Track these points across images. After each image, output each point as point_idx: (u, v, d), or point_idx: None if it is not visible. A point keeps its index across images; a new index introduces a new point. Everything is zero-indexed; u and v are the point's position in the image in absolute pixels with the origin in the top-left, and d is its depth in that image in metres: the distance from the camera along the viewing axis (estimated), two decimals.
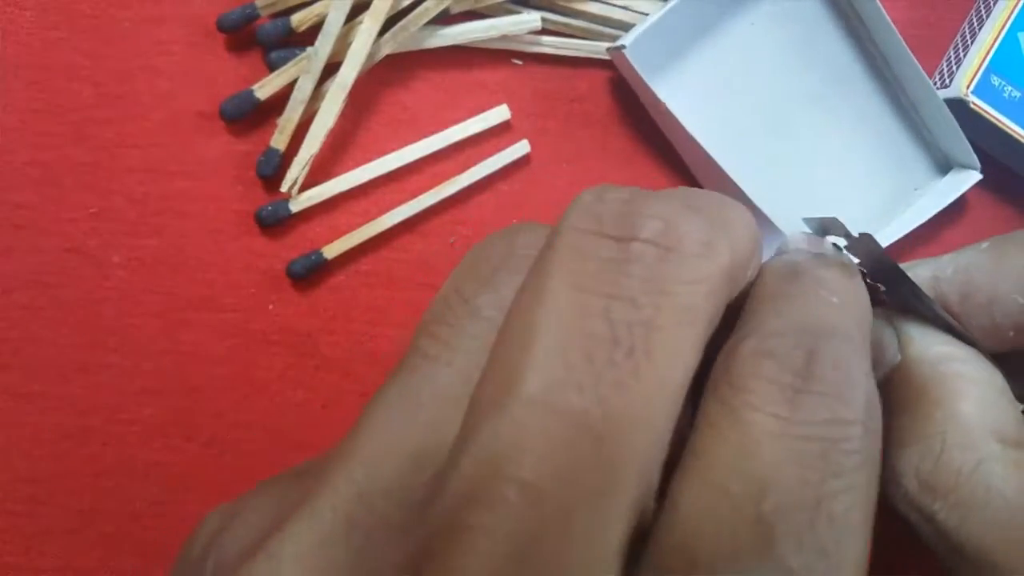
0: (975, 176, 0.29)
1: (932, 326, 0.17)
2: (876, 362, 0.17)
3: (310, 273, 0.29)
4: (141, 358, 0.28)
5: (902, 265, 0.17)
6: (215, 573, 0.13)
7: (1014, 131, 0.28)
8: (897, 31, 0.28)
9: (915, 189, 0.30)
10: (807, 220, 0.17)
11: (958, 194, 0.29)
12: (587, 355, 0.11)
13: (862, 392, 0.12)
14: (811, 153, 0.30)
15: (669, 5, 0.27)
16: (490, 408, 0.11)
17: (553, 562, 0.11)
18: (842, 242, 0.18)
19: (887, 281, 0.17)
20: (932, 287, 0.17)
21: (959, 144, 0.29)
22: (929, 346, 0.17)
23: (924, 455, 0.15)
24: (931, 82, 0.28)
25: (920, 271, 0.17)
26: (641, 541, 0.12)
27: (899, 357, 0.17)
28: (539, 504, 0.11)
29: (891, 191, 0.30)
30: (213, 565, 0.13)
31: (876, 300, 0.18)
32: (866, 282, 0.18)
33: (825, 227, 0.18)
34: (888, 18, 0.28)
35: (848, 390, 0.12)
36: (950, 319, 0.17)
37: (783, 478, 0.12)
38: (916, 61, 0.28)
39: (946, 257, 0.17)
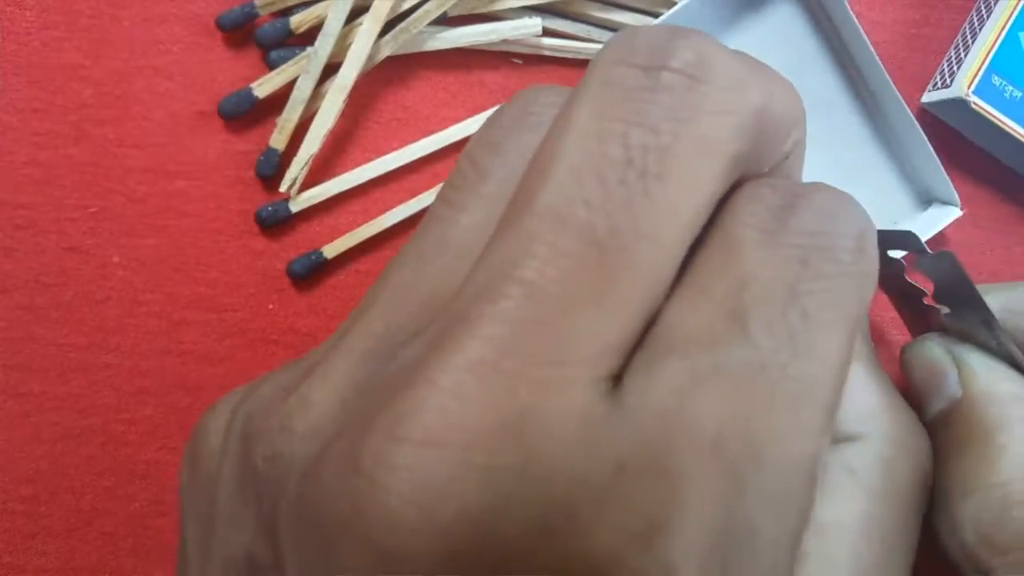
0: (955, 212, 0.29)
1: (997, 360, 0.16)
2: (934, 393, 0.17)
3: (310, 273, 0.29)
4: (141, 358, 0.28)
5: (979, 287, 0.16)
6: (244, 434, 0.13)
7: (1015, 131, 0.28)
8: (882, 65, 0.28)
9: (895, 223, 0.30)
10: (880, 232, 0.17)
11: (937, 230, 0.29)
12: (599, 175, 0.12)
13: (856, 221, 0.13)
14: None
15: None
16: (506, 223, 0.12)
17: (544, 352, 0.11)
18: (899, 253, 0.17)
19: (955, 304, 0.16)
20: (1003, 319, 0.16)
21: (940, 180, 0.29)
22: (995, 383, 0.16)
23: (986, 506, 0.15)
24: (914, 117, 0.28)
25: (989, 300, 0.16)
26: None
27: (960, 392, 0.16)
28: (536, 300, 0.11)
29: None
30: (240, 430, 0.14)
31: (933, 323, 0.17)
32: (923, 303, 0.17)
33: (902, 241, 0.17)
34: (873, 51, 0.28)
35: (842, 213, 0.13)
36: (1020, 356, 0.16)
37: (761, 277, 0.12)
38: (900, 95, 0.28)
39: (1020, 287, 0.17)
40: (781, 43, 0.29)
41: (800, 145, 0.15)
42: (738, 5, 0.29)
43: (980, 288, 0.16)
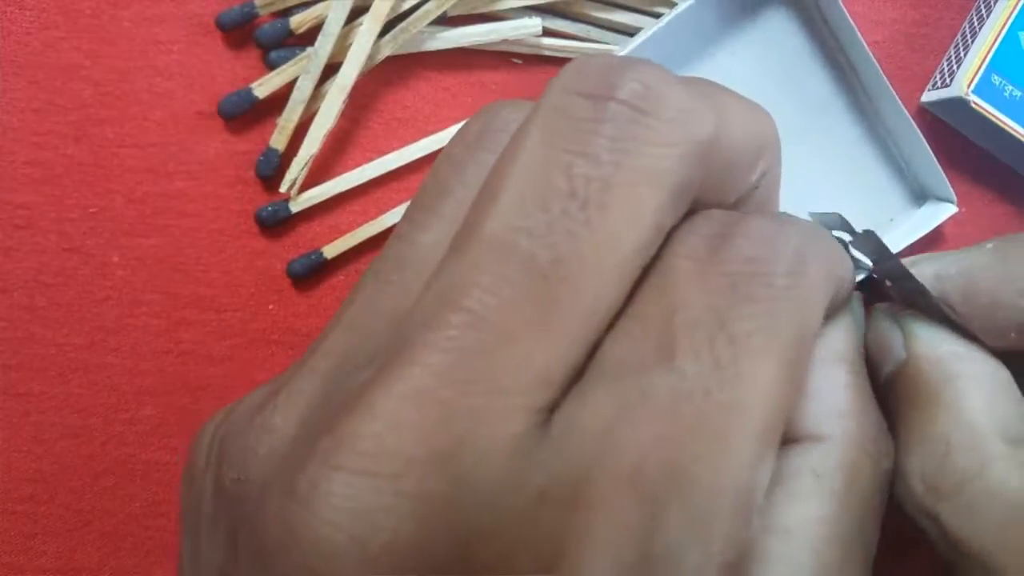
0: (951, 209, 0.29)
1: (938, 324, 0.17)
2: (882, 359, 0.17)
3: (310, 273, 0.29)
4: (141, 358, 0.28)
5: (905, 261, 0.17)
6: (219, 455, 0.14)
7: (1015, 130, 0.28)
8: (878, 63, 0.28)
9: (891, 220, 0.30)
10: (812, 215, 0.17)
11: (933, 226, 0.29)
12: (543, 205, 0.12)
13: (792, 244, 0.13)
14: (788, 181, 0.30)
15: (646, 35, 0.27)
16: (454, 249, 0.13)
17: (481, 381, 0.12)
18: (847, 237, 0.18)
19: (891, 277, 0.17)
20: (935, 286, 0.17)
21: (936, 176, 0.29)
22: (935, 344, 0.17)
23: (929, 457, 0.15)
24: (909, 116, 0.28)
25: (924, 268, 0.17)
26: None
27: (904, 355, 0.17)
28: (477, 329, 0.12)
29: (866, 221, 0.30)
30: (216, 450, 0.14)
31: (883, 295, 0.18)
32: (872, 277, 0.18)
33: (829, 223, 0.18)
34: (869, 50, 0.28)
35: (778, 238, 0.13)
36: (954, 317, 0.17)
37: (690, 305, 0.12)
38: (895, 94, 0.28)
39: (950, 255, 0.17)
40: (778, 47, 0.29)
41: (771, 175, 0.16)
42: (735, 10, 0.29)
43: (916, 258, 0.18)
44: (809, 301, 0.13)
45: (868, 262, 0.18)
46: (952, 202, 0.29)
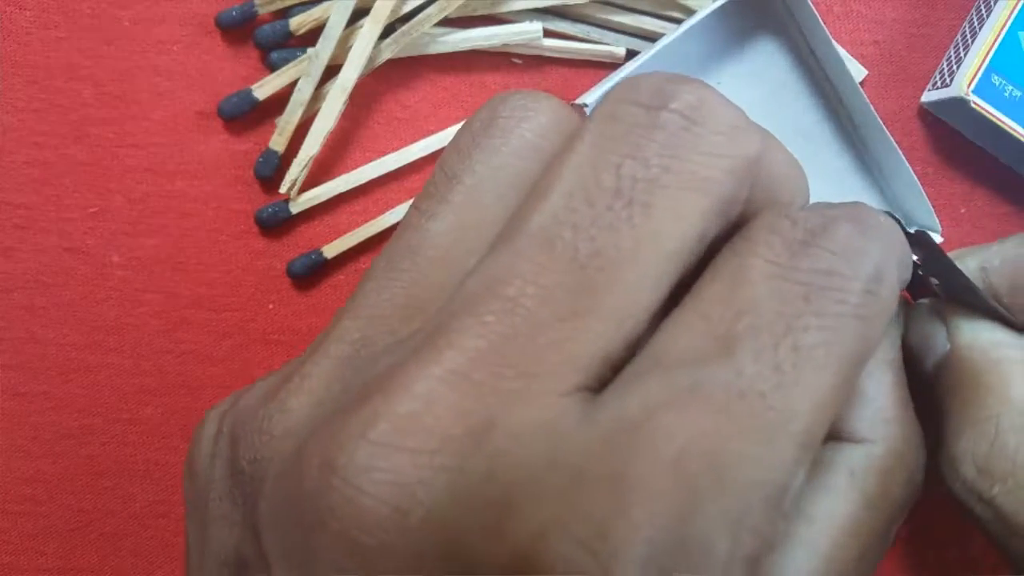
0: (936, 239, 0.29)
1: (981, 316, 0.17)
2: (924, 354, 0.17)
3: (310, 273, 0.29)
4: (141, 358, 0.28)
5: (950, 254, 0.17)
6: (231, 438, 0.14)
7: (1015, 130, 0.28)
8: (864, 93, 0.28)
9: None
10: None
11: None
12: (590, 201, 0.13)
13: (873, 260, 0.13)
14: None
15: (635, 65, 0.27)
16: (500, 241, 0.13)
17: (515, 365, 0.12)
18: None
19: (939, 275, 0.17)
20: (980, 278, 0.17)
21: (922, 206, 0.29)
22: (979, 334, 0.17)
23: (978, 440, 0.16)
24: (895, 144, 0.28)
25: (968, 262, 0.17)
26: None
27: (948, 346, 0.17)
28: (514, 316, 0.12)
29: None
30: (227, 434, 0.14)
31: (929, 293, 0.19)
32: (918, 275, 0.18)
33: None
34: (855, 80, 0.28)
35: (860, 253, 0.13)
36: (999, 308, 0.17)
37: (760, 308, 0.12)
38: (882, 123, 0.28)
39: (993, 247, 0.18)
40: (765, 76, 0.29)
41: (804, 198, 0.16)
42: (723, 40, 0.29)
43: (960, 251, 0.18)
44: (877, 321, 0.13)
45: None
46: (937, 231, 0.29)
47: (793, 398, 0.12)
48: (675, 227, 0.13)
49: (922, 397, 0.16)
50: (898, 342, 0.17)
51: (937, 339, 0.17)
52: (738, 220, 0.14)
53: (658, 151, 0.13)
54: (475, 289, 0.13)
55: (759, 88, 0.30)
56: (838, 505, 0.14)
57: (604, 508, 0.11)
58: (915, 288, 0.19)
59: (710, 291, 0.13)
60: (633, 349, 0.13)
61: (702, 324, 0.12)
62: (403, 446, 0.12)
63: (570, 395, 0.12)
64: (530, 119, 0.14)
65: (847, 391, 0.13)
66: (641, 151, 0.13)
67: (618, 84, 0.14)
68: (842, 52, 0.30)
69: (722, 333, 0.12)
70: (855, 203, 0.14)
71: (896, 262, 0.13)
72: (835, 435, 0.15)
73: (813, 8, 0.28)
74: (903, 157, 0.28)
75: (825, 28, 0.28)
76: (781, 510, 0.12)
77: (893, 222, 0.14)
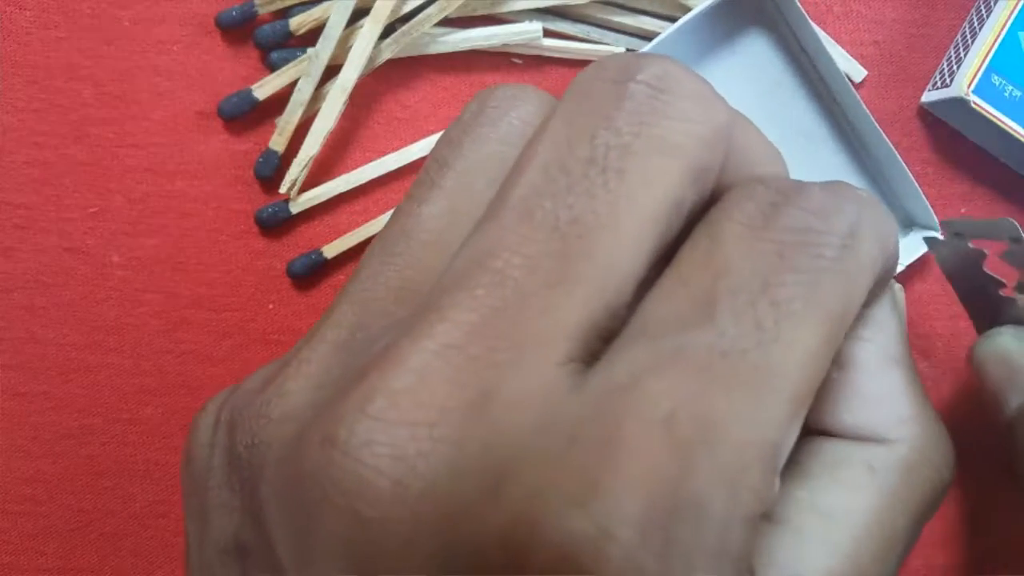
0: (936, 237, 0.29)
1: None
2: (1012, 387, 0.17)
3: (310, 273, 0.29)
4: (141, 358, 0.28)
5: None
6: (230, 426, 0.14)
7: (1015, 130, 0.28)
8: (859, 95, 0.28)
9: None
10: (968, 223, 0.16)
11: (918, 255, 0.29)
12: (566, 171, 0.13)
13: (847, 218, 0.13)
14: None
15: None
16: (485, 217, 0.13)
17: (509, 334, 0.12)
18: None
19: None
20: None
21: (920, 205, 0.29)
22: None
23: None
24: (891, 144, 0.28)
25: None
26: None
27: None
28: (502, 286, 0.12)
29: None
30: (226, 422, 0.15)
31: (1006, 315, 0.17)
32: (997, 294, 0.17)
33: (991, 230, 0.17)
34: (849, 83, 0.28)
35: (834, 210, 0.13)
36: None
37: (737, 269, 0.13)
38: (875, 122, 0.28)
39: None
40: (758, 75, 0.29)
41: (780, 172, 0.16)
42: (714, 37, 0.29)
43: None
44: (856, 277, 0.13)
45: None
46: (936, 230, 0.29)
47: (776, 354, 0.12)
48: (650, 191, 0.13)
49: (998, 439, 0.16)
50: (902, 337, 0.16)
51: (1021, 378, 0.17)
52: (713, 196, 0.14)
53: (627, 119, 0.13)
54: (464, 265, 0.13)
55: (756, 87, 0.30)
56: (857, 501, 0.14)
57: (597, 469, 0.11)
58: (991, 310, 0.17)
59: (687, 258, 0.13)
60: (619, 320, 0.13)
61: (682, 290, 0.13)
62: (401, 420, 0.12)
63: (563, 365, 0.12)
64: (518, 108, 0.15)
65: (831, 349, 0.13)
66: (612, 121, 0.13)
67: (586, 68, 0.14)
68: (841, 52, 0.30)
69: (701, 297, 0.12)
70: (835, 180, 0.14)
71: (875, 228, 0.13)
72: (853, 436, 0.15)
73: (801, 8, 0.28)
74: (898, 156, 0.28)
75: (814, 27, 0.28)
76: (775, 469, 0.12)
77: (877, 199, 0.14)
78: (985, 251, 0.17)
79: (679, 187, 0.13)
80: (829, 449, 0.15)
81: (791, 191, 0.13)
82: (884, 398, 0.15)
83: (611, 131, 0.13)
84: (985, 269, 0.17)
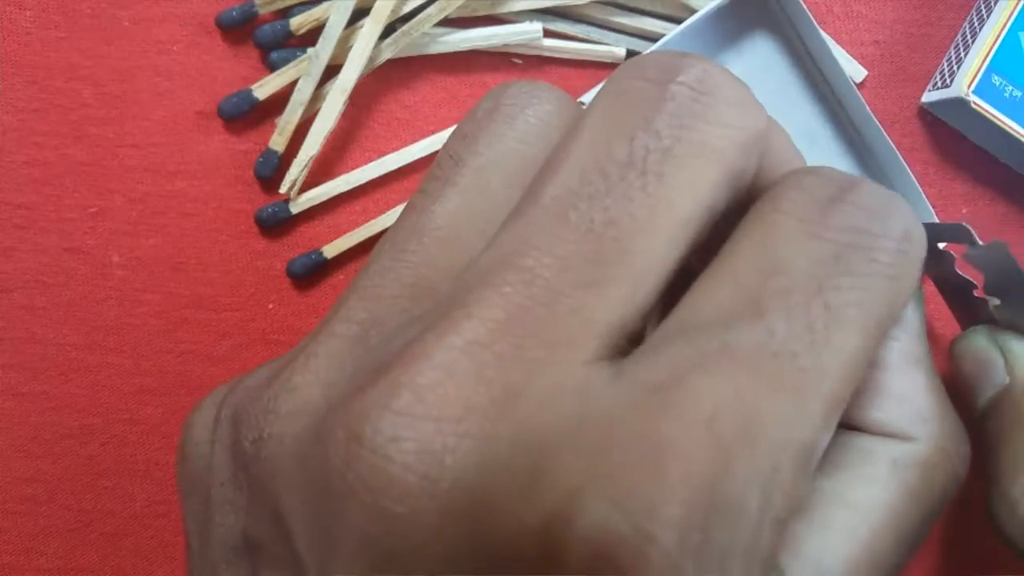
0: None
1: None
2: (983, 383, 0.17)
3: (310, 273, 0.29)
4: (141, 358, 0.28)
5: None
6: (233, 422, 0.14)
7: (1015, 130, 0.28)
8: (860, 94, 0.28)
9: None
10: (928, 226, 0.16)
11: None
12: (603, 173, 0.13)
13: (901, 222, 0.13)
14: None
15: None
16: (515, 214, 0.13)
17: (537, 333, 0.12)
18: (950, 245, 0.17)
19: (1006, 294, 0.17)
20: None
21: (922, 208, 0.29)
22: None
23: None
24: (895, 148, 0.28)
25: None
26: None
27: (1007, 379, 0.17)
28: (532, 286, 0.12)
29: None
30: (228, 419, 0.14)
31: (982, 315, 0.18)
32: (972, 295, 0.17)
33: (952, 234, 0.17)
34: (854, 85, 0.28)
35: (888, 213, 0.13)
36: None
37: (791, 266, 0.12)
38: (879, 124, 0.28)
39: None
40: (762, 77, 0.29)
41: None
42: (719, 40, 0.29)
43: None
44: (905, 283, 0.13)
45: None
46: None
47: (824, 358, 0.12)
48: (687, 196, 0.13)
49: (973, 430, 0.16)
50: (924, 336, 0.16)
51: (994, 370, 0.17)
52: (746, 198, 0.14)
53: (668, 122, 0.13)
54: (490, 262, 0.13)
55: (761, 89, 0.29)
56: (879, 494, 0.14)
57: (637, 470, 0.11)
58: (969, 309, 0.18)
59: (739, 251, 0.13)
60: (646, 320, 0.13)
61: (731, 285, 0.12)
62: (427, 415, 0.12)
63: (591, 363, 0.12)
64: (534, 106, 0.15)
65: (872, 353, 0.13)
66: (652, 123, 0.13)
67: (622, 65, 0.14)
68: (842, 52, 0.30)
69: (752, 293, 0.12)
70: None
71: (921, 232, 0.13)
72: (878, 432, 0.15)
73: (806, 8, 0.28)
74: (901, 159, 0.28)
75: (819, 28, 0.28)
76: (809, 471, 0.12)
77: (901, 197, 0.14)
78: (954, 254, 0.17)
79: (716, 192, 0.13)
80: (855, 444, 0.15)
81: (847, 186, 0.13)
82: (908, 396, 0.15)
83: (650, 133, 0.13)
84: (957, 271, 0.17)
